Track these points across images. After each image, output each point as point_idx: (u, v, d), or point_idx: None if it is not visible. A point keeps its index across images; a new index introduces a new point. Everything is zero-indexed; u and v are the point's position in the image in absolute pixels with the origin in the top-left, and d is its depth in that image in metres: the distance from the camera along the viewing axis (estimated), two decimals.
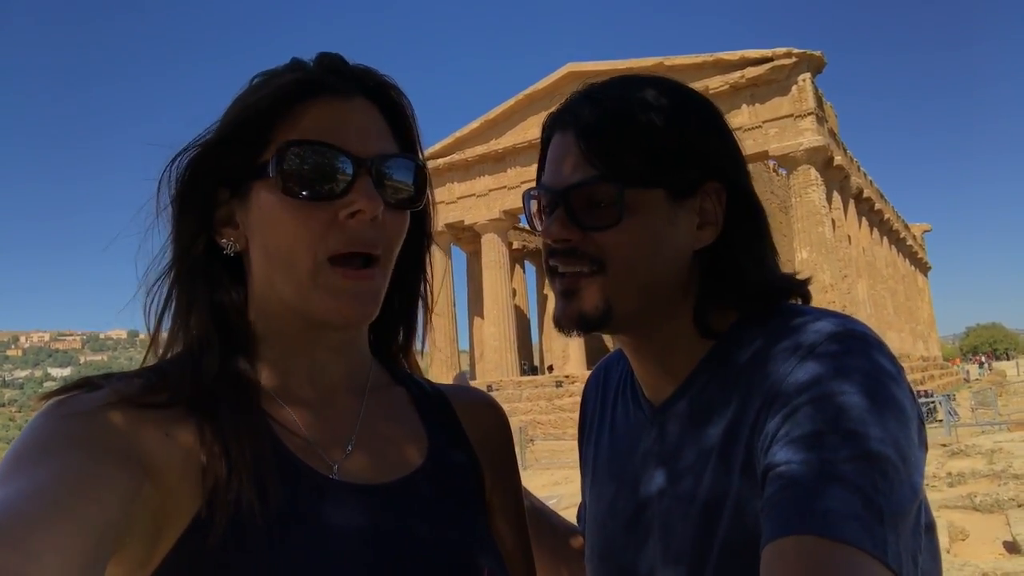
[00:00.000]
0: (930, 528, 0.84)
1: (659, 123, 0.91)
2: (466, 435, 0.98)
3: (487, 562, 0.85)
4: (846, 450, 0.70)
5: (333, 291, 0.78)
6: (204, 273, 0.83)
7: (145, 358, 0.83)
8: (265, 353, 0.85)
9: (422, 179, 0.87)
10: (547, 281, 0.99)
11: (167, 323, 0.84)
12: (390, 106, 0.87)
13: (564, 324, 0.95)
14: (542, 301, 36.88)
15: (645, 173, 0.90)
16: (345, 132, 0.80)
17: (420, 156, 0.91)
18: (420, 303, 0.99)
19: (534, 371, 34.50)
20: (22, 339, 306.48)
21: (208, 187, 0.82)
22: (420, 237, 0.96)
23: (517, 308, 31.62)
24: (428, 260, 0.99)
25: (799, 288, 0.96)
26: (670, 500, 0.92)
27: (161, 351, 0.84)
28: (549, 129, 1.00)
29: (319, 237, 0.78)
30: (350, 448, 0.85)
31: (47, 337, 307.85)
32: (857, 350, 0.79)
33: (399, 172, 0.83)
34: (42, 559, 0.54)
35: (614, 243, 0.90)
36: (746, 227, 0.95)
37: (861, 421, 0.72)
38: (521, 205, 1.06)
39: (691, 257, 0.94)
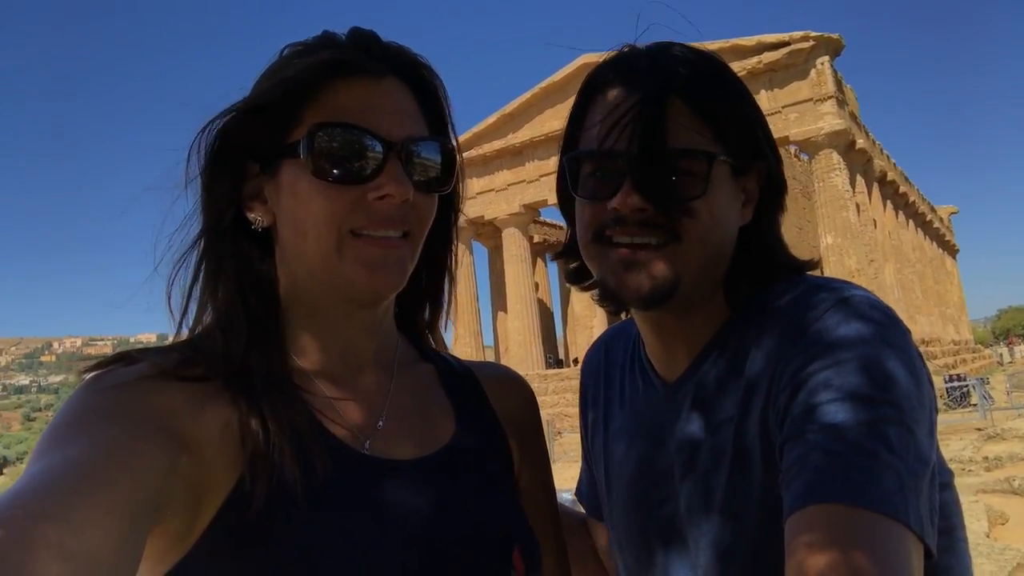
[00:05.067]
0: (947, 486, 0.86)
1: (747, 96, 0.91)
2: (494, 411, 0.98)
3: (518, 536, 0.86)
4: (880, 416, 0.71)
5: (360, 260, 0.79)
6: (232, 245, 0.83)
7: (178, 329, 0.83)
8: (297, 329, 0.85)
9: (452, 161, 0.86)
10: (588, 253, 0.93)
11: (194, 304, 0.83)
12: (422, 86, 0.87)
13: (628, 297, 0.89)
14: (565, 294, 36.77)
15: (732, 144, 0.88)
16: (376, 114, 0.80)
17: (451, 137, 0.90)
18: (447, 277, 0.99)
19: (559, 364, 34.48)
20: (55, 345, 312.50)
21: (237, 160, 0.82)
22: (448, 212, 0.96)
23: (540, 302, 31.61)
24: (455, 233, 0.99)
25: (811, 267, 0.99)
26: (693, 480, 0.92)
27: (191, 324, 0.84)
28: (603, 82, 0.92)
29: (346, 215, 0.78)
30: (381, 424, 0.85)
31: (79, 343, 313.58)
32: (895, 321, 0.81)
33: (430, 155, 0.83)
34: (82, 531, 0.54)
35: (692, 214, 0.86)
36: (775, 208, 0.97)
37: (897, 389, 0.73)
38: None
39: (736, 234, 0.94)
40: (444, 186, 0.86)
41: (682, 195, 0.86)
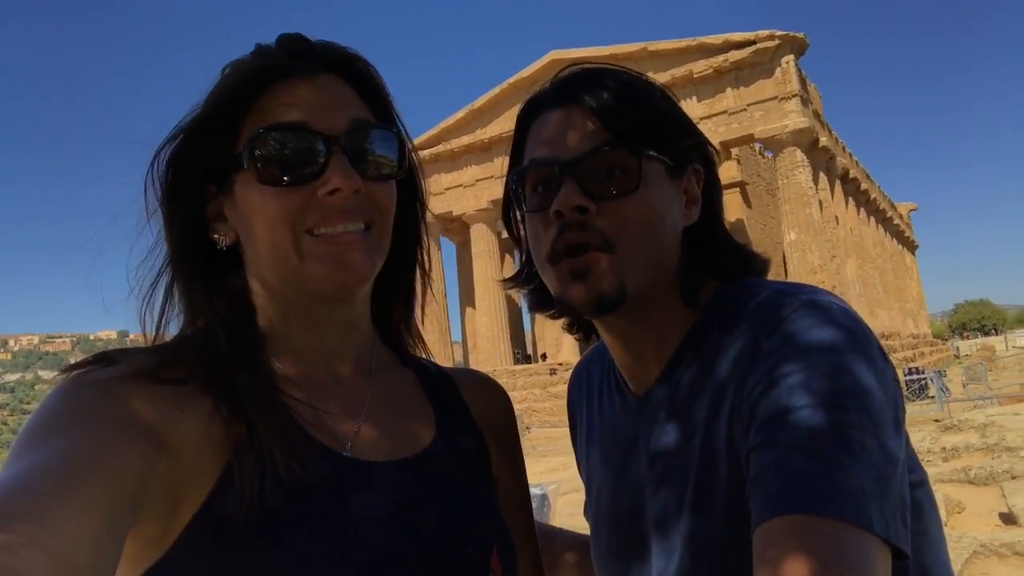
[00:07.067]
0: (921, 483, 0.86)
1: (661, 99, 0.95)
2: (472, 415, 0.99)
3: (496, 538, 0.86)
4: (850, 421, 0.71)
5: (320, 259, 0.78)
6: (202, 267, 0.84)
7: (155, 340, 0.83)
8: (274, 335, 0.85)
9: (401, 145, 0.86)
10: (544, 272, 0.95)
11: (165, 324, 0.84)
12: (358, 77, 0.86)
13: (577, 306, 0.91)
14: None
15: (658, 141, 0.91)
16: (313, 111, 0.79)
17: (397, 122, 0.90)
18: (419, 270, 0.99)
19: (527, 360, 34.57)
20: (11, 342, 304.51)
21: (192, 184, 0.82)
22: (413, 205, 0.95)
23: (508, 297, 31.60)
24: (423, 228, 0.99)
25: (765, 261, 1.01)
26: (667, 489, 0.92)
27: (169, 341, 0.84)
28: (535, 108, 0.98)
29: (298, 215, 0.78)
30: (360, 427, 0.85)
31: (36, 340, 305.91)
32: (861, 323, 0.82)
33: (375, 142, 0.83)
34: (59, 532, 0.54)
35: (629, 214, 0.89)
36: (716, 206, 1.01)
37: (866, 392, 0.74)
38: None
39: (681, 234, 0.96)
40: (397, 171, 0.86)
41: (617, 190, 0.89)
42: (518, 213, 1.04)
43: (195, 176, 0.81)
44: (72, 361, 0.74)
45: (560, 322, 1.10)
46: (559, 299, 0.94)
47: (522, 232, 1.05)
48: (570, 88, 0.95)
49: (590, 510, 1.10)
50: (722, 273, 0.98)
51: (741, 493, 0.78)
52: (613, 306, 0.90)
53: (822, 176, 27.93)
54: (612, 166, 0.90)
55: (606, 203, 0.89)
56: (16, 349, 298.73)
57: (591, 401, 1.14)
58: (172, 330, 0.84)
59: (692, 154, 0.97)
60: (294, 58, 0.81)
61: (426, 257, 1.00)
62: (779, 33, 25.02)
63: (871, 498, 0.68)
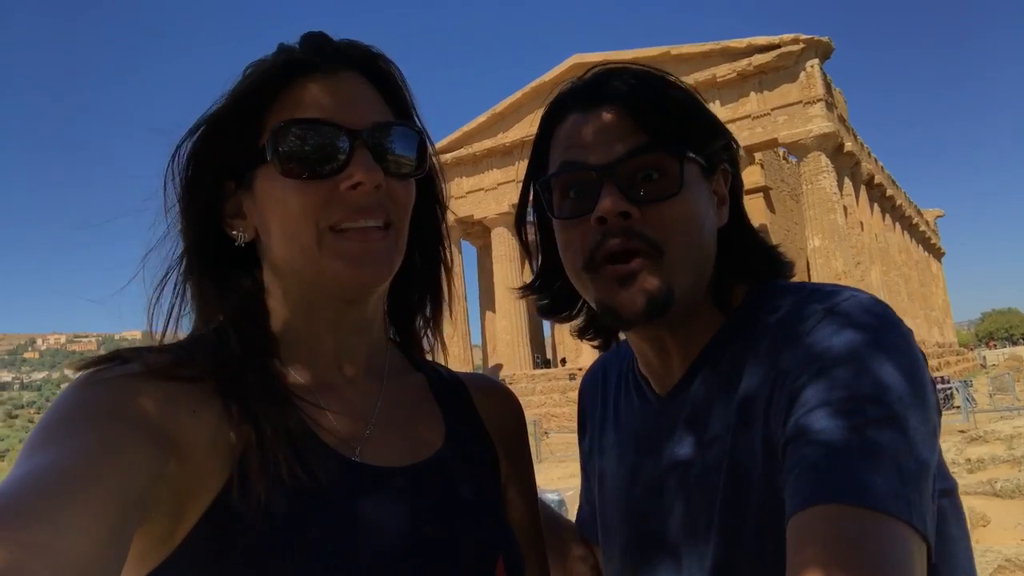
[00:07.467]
0: (949, 492, 0.84)
1: (693, 98, 0.93)
2: (482, 422, 0.98)
3: (502, 546, 0.86)
4: (873, 417, 0.71)
5: (340, 255, 0.78)
6: (217, 264, 0.84)
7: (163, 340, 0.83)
8: (287, 337, 0.85)
9: (422, 144, 0.86)
10: (580, 281, 0.92)
11: (175, 321, 0.84)
12: (379, 76, 0.87)
13: (626, 314, 0.88)
14: None
15: (694, 142, 0.89)
16: (337, 107, 0.80)
17: (417, 122, 0.90)
18: (443, 270, 0.99)
19: (547, 364, 34.52)
20: (39, 341, 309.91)
21: (212, 180, 0.82)
22: (432, 204, 0.95)
23: (528, 301, 31.54)
24: (444, 225, 0.98)
25: (793, 267, 0.99)
26: (686, 496, 0.91)
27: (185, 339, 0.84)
28: (561, 110, 0.95)
29: (321, 209, 0.78)
30: (370, 431, 0.85)
31: (63, 339, 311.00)
32: (891, 323, 0.80)
33: (396, 141, 0.83)
34: (68, 532, 0.54)
35: (673, 217, 0.87)
36: (742, 207, 0.99)
37: (889, 390, 0.73)
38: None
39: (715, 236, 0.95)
40: (417, 170, 0.86)
41: (659, 194, 0.87)
42: (534, 218, 1.02)
43: (215, 171, 0.82)
44: None
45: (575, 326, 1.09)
46: (602, 306, 0.91)
47: (532, 237, 1.04)
48: (600, 88, 0.92)
49: (601, 508, 1.08)
50: (754, 275, 0.96)
51: (776, 507, 0.76)
52: (663, 312, 0.87)
53: (847, 181, 27.63)
54: (652, 169, 0.87)
55: (648, 207, 0.86)
56: (44, 348, 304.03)
57: (607, 401, 1.13)
58: (184, 328, 0.85)
59: (723, 154, 0.95)
60: (317, 55, 0.82)
61: (448, 256, 0.99)
62: (804, 37, 24.81)
63: (909, 491, 0.67)
